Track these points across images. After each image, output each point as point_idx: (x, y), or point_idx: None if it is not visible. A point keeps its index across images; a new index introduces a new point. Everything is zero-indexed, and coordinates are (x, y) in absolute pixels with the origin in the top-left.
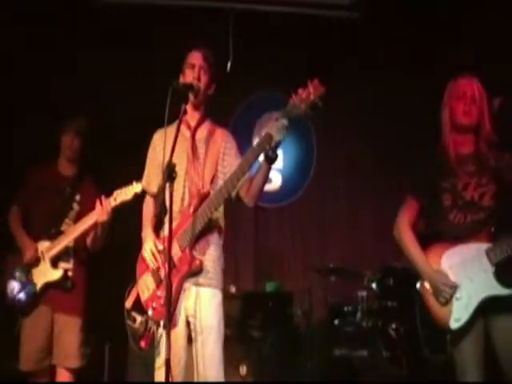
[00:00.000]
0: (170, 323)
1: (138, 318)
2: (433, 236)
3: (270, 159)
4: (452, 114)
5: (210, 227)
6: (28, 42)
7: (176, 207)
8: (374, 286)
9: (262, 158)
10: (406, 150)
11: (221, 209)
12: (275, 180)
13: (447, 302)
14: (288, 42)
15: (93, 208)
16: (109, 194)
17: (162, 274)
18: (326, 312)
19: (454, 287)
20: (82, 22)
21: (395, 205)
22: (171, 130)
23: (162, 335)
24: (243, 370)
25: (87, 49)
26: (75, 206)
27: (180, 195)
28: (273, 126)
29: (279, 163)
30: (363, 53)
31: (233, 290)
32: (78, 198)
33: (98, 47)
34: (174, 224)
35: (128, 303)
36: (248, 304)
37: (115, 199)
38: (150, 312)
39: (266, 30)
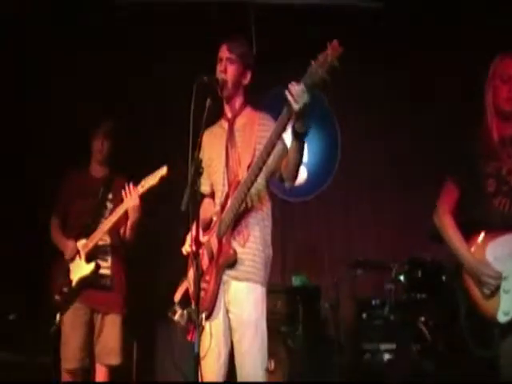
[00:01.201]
0: (198, 320)
1: (179, 311)
2: (474, 224)
3: (299, 133)
4: (495, 97)
5: (248, 210)
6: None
7: (217, 200)
8: (401, 278)
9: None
10: (431, 141)
11: (262, 188)
12: (300, 174)
13: (493, 294)
14: (311, 33)
15: None
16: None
17: (204, 266)
18: (353, 305)
19: (499, 278)
20: (103, 21)
21: (421, 197)
22: (213, 129)
23: (204, 328)
24: (271, 365)
25: (109, 49)
26: (108, 205)
27: (220, 188)
28: (289, 95)
29: (304, 157)
30: (388, 43)
31: None
32: (110, 196)
33: (119, 47)
34: (216, 217)
35: (176, 296)
36: (275, 298)
37: (143, 186)
38: (193, 305)
39: (288, 21)
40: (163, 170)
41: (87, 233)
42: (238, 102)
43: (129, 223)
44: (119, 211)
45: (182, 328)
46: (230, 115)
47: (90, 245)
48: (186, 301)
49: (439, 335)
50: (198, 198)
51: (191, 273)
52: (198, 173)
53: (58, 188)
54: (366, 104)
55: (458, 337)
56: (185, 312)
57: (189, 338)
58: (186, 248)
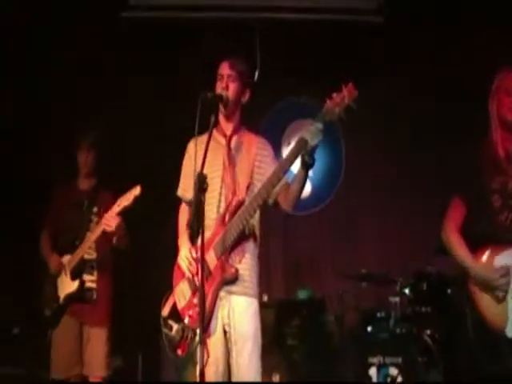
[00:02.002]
0: (203, 333)
1: (175, 326)
2: (481, 239)
3: (307, 164)
4: (500, 111)
5: (245, 235)
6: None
7: (212, 215)
8: (406, 291)
9: (298, 163)
10: (435, 155)
11: (257, 217)
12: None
13: (505, 296)
14: (314, 48)
15: None
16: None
17: (198, 282)
18: (358, 318)
19: (508, 274)
20: (107, 34)
21: (425, 210)
22: (204, 139)
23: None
24: (276, 378)
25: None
26: (94, 218)
27: (216, 203)
28: (307, 130)
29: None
30: (390, 57)
31: (265, 298)
32: (95, 209)
33: (123, 59)
34: (210, 232)
35: (164, 311)
36: (280, 312)
37: (119, 205)
38: (186, 320)
39: (292, 37)
40: (136, 190)
41: (73, 247)
42: (236, 119)
43: (115, 238)
44: (97, 231)
45: (171, 343)
46: (228, 132)
47: (75, 260)
48: (175, 315)
49: (445, 348)
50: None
51: (181, 287)
52: (203, 189)
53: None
54: (370, 117)
55: (464, 350)
56: (180, 327)
57: (179, 352)
58: (184, 260)
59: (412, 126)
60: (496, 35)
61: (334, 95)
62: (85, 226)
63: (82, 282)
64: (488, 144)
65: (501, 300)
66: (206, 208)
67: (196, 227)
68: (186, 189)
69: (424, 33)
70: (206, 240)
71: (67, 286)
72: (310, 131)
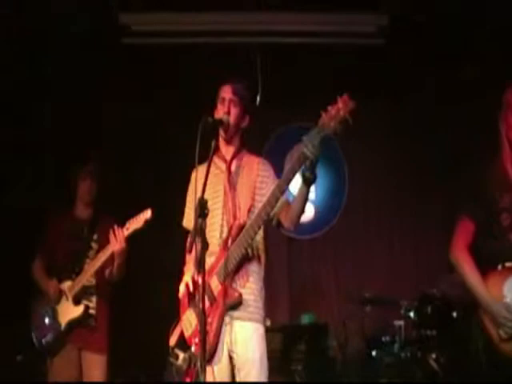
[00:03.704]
0: (204, 360)
1: (181, 355)
2: (490, 259)
3: (308, 180)
4: (509, 130)
5: (249, 258)
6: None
7: (215, 241)
8: (411, 314)
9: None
10: (440, 176)
11: (261, 239)
12: (308, 211)
13: (510, 337)
14: (314, 71)
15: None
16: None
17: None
18: (363, 343)
19: None
20: (107, 61)
21: (430, 233)
22: (203, 166)
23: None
24: None
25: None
26: (94, 245)
27: (219, 229)
28: (304, 145)
29: (311, 194)
30: (392, 79)
31: (268, 323)
32: (95, 237)
33: (123, 86)
34: (213, 258)
35: (172, 341)
36: (283, 337)
37: (128, 228)
38: (193, 348)
39: (292, 61)
40: (147, 214)
41: (73, 273)
42: (236, 143)
43: (115, 265)
44: (105, 253)
45: (179, 371)
46: (228, 157)
47: (77, 286)
48: (183, 344)
49: (451, 372)
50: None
51: (187, 316)
52: (204, 214)
53: (41, 229)
54: (373, 139)
55: (472, 374)
56: (186, 356)
57: (188, 380)
58: (182, 287)
59: (419, 147)
60: (501, 55)
61: (329, 108)
62: (85, 253)
63: (87, 307)
64: (497, 162)
65: (506, 340)
66: (210, 234)
67: (201, 254)
68: (191, 219)
69: (425, 55)
70: (209, 266)
71: (69, 311)
72: (306, 146)
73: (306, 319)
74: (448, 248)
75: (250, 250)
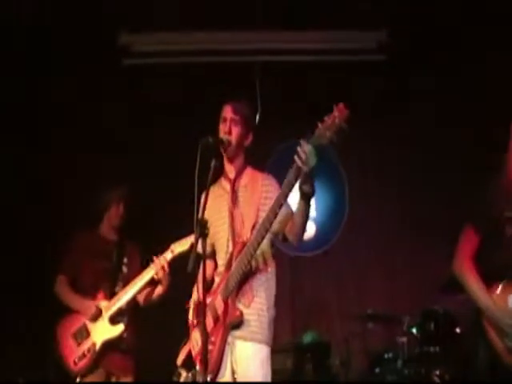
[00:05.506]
0: (205, 374)
1: (183, 374)
2: (495, 271)
3: (306, 194)
4: None
5: (254, 276)
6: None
7: (221, 261)
8: (414, 331)
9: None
10: (435, 193)
11: (268, 249)
12: (309, 228)
13: None
14: (314, 88)
15: (139, 270)
16: (150, 257)
17: (209, 327)
18: (365, 360)
19: None
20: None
21: (431, 249)
22: (214, 188)
23: None
24: None
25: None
26: (124, 269)
27: (224, 249)
28: (297, 157)
29: (312, 212)
30: (393, 95)
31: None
32: (125, 260)
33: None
34: (219, 278)
35: (178, 360)
36: (285, 356)
37: (172, 251)
38: (198, 367)
39: (292, 79)
40: (192, 237)
41: (106, 294)
42: (240, 162)
43: (159, 289)
44: (145, 276)
45: None
46: (231, 176)
47: (114, 307)
48: (189, 363)
49: None
50: (202, 259)
51: (194, 335)
52: (204, 234)
53: (62, 248)
54: (373, 157)
55: None
56: (189, 375)
57: None
58: (192, 306)
59: (421, 162)
60: (500, 68)
61: (326, 118)
62: (116, 275)
63: (126, 327)
64: (502, 173)
65: (510, 349)
66: (218, 256)
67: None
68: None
69: (425, 70)
70: (215, 285)
71: (106, 330)
72: (300, 158)
73: (308, 338)
74: (450, 265)
75: (254, 263)
